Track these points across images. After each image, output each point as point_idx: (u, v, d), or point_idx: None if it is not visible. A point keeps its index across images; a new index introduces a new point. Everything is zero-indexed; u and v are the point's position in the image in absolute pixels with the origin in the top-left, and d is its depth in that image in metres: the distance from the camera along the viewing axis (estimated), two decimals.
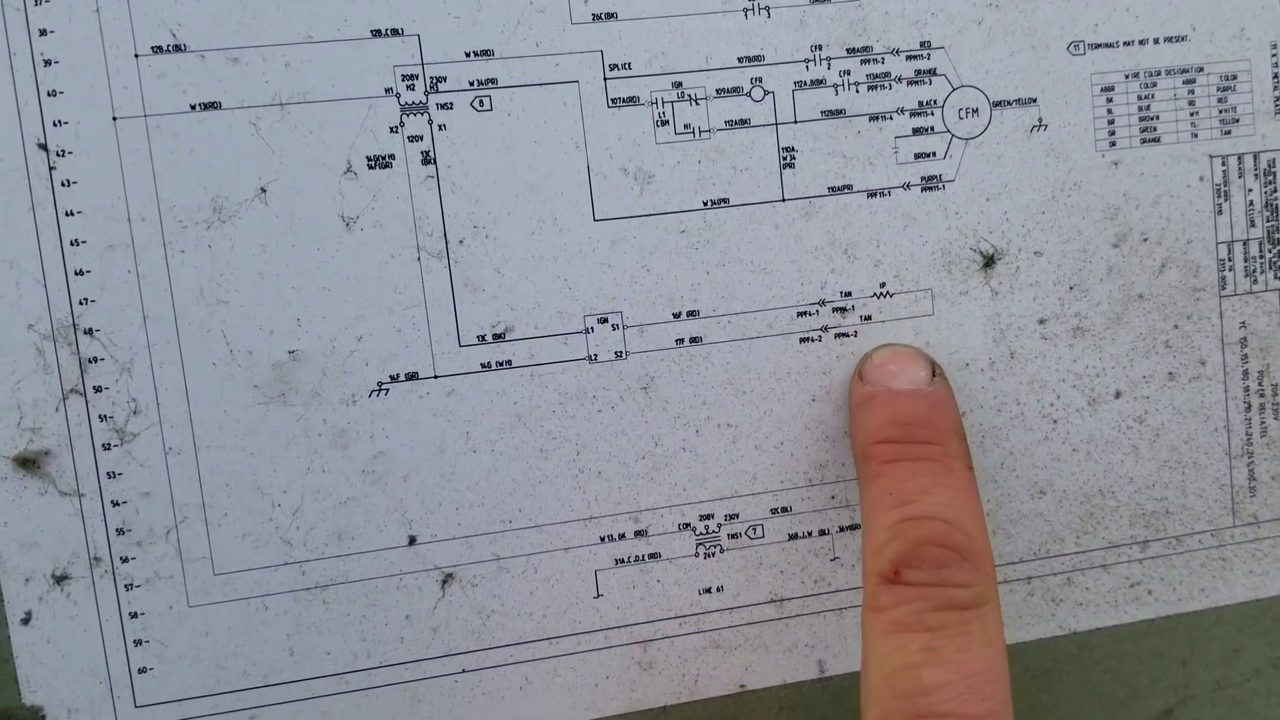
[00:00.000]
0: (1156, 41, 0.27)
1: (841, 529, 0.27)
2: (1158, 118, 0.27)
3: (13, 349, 0.23)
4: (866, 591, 0.22)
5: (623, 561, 0.26)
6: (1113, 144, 0.27)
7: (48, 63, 0.23)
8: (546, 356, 0.25)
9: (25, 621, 0.24)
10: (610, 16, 0.25)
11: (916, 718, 0.20)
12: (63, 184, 0.23)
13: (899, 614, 0.21)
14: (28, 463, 0.23)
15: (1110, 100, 0.27)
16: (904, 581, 0.21)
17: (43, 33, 0.23)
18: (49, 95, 0.23)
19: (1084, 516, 0.28)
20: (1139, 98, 0.27)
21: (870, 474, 0.23)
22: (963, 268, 0.26)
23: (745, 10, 0.25)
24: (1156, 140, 0.27)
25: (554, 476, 0.26)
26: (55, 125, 0.23)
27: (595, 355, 0.25)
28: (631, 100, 0.25)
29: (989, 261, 0.26)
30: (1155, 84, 0.27)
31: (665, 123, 0.25)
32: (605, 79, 0.25)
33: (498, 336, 0.25)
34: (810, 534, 0.27)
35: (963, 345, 0.27)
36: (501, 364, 0.25)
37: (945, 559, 0.21)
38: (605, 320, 0.25)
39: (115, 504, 0.24)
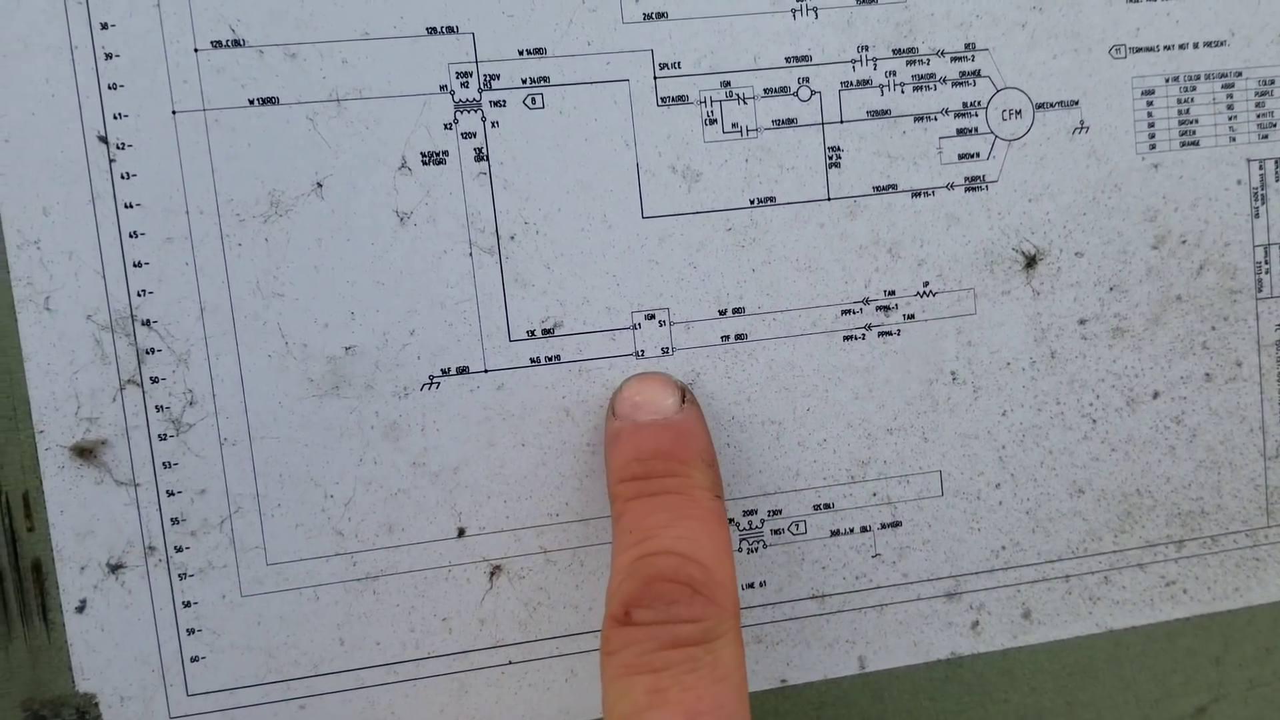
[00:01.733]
0: (1196, 46, 0.27)
1: (883, 526, 0.27)
2: (1197, 121, 0.27)
3: (71, 339, 0.23)
4: (602, 636, 0.21)
5: None
6: (1153, 147, 0.27)
7: (109, 56, 0.23)
8: (594, 352, 0.26)
9: (80, 610, 0.24)
10: (661, 16, 0.25)
11: None
12: (122, 176, 0.23)
13: (627, 656, 0.20)
14: (85, 452, 0.24)
15: (1150, 104, 0.27)
16: (633, 622, 0.21)
17: (104, 26, 0.23)
18: (110, 88, 0.23)
19: (1121, 515, 0.28)
20: (1178, 101, 0.27)
21: (615, 513, 0.23)
22: (1005, 268, 0.27)
23: (793, 11, 0.25)
24: (1195, 144, 0.27)
25: (601, 471, 0.26)
26: (115, 118, 0.23)
27: (642, 351, 0.26)
28: (680, 99, 0.25)
29: (1031, 262, 0.27)
30: (1195, 88, 0.27)
31: (713, 121, 0.25)
32: (655, 78, 0.25)
33: (547, 332, 0.25)
34: (852, 530, 0.27)
35: (1004, 344, 0.27)
36: (550, 359, 0.25)
37: (675, 594, 0.21)
38: (652, 316, 0.26)
39: (170, 494, 0.24)
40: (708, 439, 0.24)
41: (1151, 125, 0.27)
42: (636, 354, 0.26)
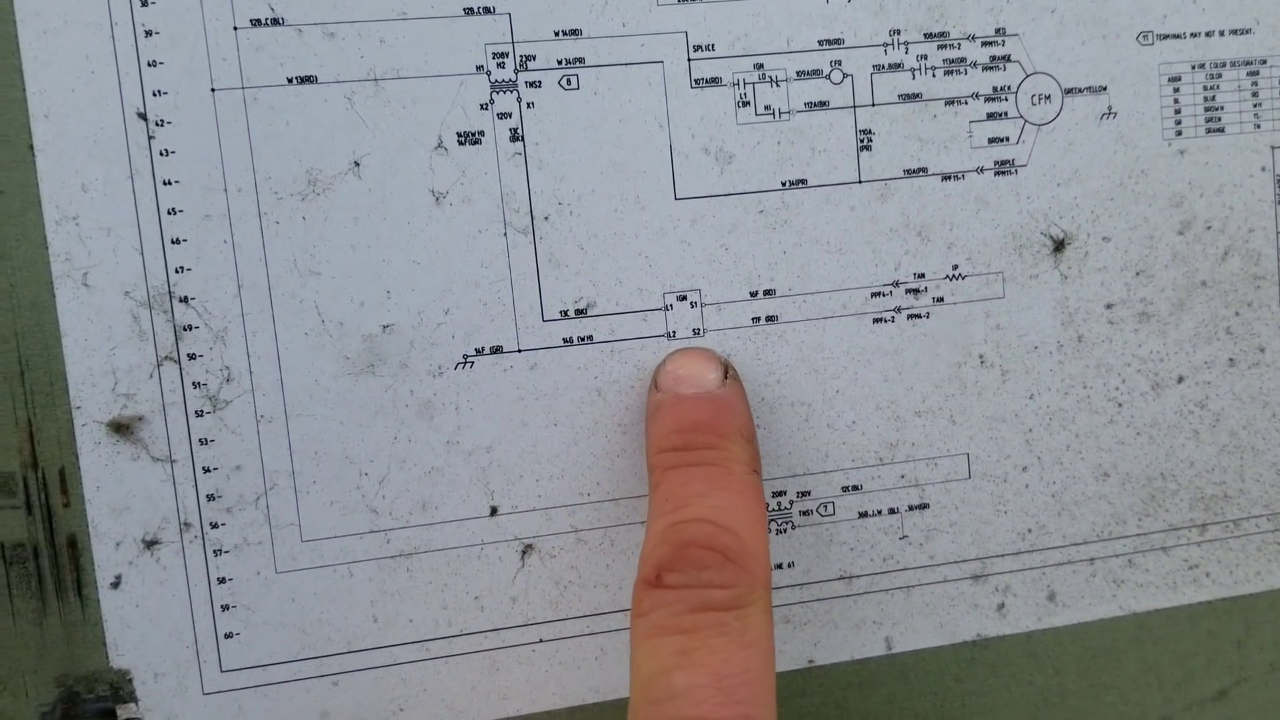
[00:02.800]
0: (1222, 34, 0.28)
1: (911, 508, 0.27)
2: (1222, 108, 0.28)
3: (109, 315, 0.24)
4: (633, 599, 0.22)
5: None
6: (1179, 133, 0.27)
7: (148, 33, 0.23)
8: (626, 332, 0.26)
9: (115, 586, 0.24)
10: None
11: None
12: (161, 153, 0.24)
13: (657, 618, 0.21)
14: (121, 428, 0.24)
15: (1177, 90, 0.27)
16: (664, 585, 0.21)
17: (144, 3, 0.23)
18: (149, 65, 0.23)
19: (1145, 499, 0.28)
20: (1204, 88, 0.28)
21: (653, 483, 0.23)
22: (1033, 251, 0.27)
23: None
24: (1221, 130, 0.28)
25: (631, 451, 0.26)
26: (155, 95, 0.23)
27: (674, 332, 0.26)
28: (714, 81, 0.25)
29: (1059, 246, 0.27)
30: (1220, 75, 0.28)
31: (746, 104, 0.26)
32: (689, 60, 0.25)
33: (580, 312, 0.25)
34: (880, 512, 0.27)
35: (1032, 328, 0.27)
36: (583, 339, 0.25)
37: (707, 560, 0.21)
38: (684, 298, 0.26)
39: (207, 470, 0.24)
40: (748, 415, 0.24)
41: (1178, 112, 0.27)
42: (668, 335, 0.26)
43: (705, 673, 0.20)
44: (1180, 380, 0.28)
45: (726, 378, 0.24)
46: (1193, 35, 0.27)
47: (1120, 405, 0.28)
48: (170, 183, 0.24)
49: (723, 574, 0.21)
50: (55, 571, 0.24)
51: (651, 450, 0.24)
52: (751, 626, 0.21)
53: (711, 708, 0.19)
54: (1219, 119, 0.28)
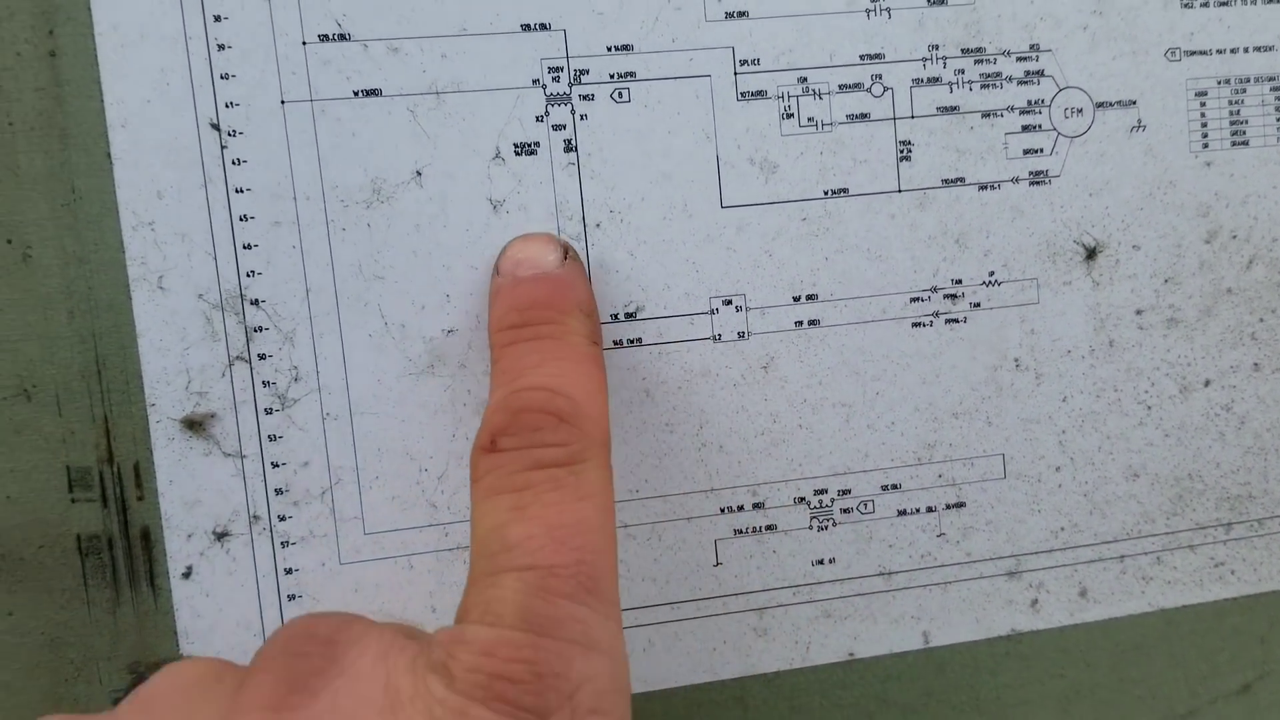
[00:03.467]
0: (1247, 50, 0.29)
1: (948, 506, 0.28)
2: (1247, 122, 0.29)
3: (183, 317, 0.25)
4: (470, 466, 0.21)
5: (741, 532, 0.27)
6: (1205, 145, 0.28)
7: (221, 47, 0.24)
8: (674, 335, 0.27)
9: (186, 576, 0.25)
10: (742, 15, 0.26)
11: (497, 573, 0.19)
12: (233, 162, 0.25)
13: (492, 480, 0.21)
14: (194, 425, 0.25)
15: (1204, 104, 0.28)
16: (499, 449, 0.21)
17: (217, 19, 0.24)
18: (222, 78, 0.24)
19: (1173, 499, 0.29)
20: (1230, 103, 0.29)
21: (492, 361, 0.23)
22: (1066, 259, 0.28)
23: (868, 11, 0.27)
24: (1246, 143, 0.29)
25: (678, 450, 0.27)
26: (227, 107, 0.24)
27: (719, 335, 0.27)
28: (759, 94, 0.26)
29: (1091, 254, 0.28)
30: (1245, 90, 0.29)
31: (790, 116, 0.27)
32: (736, 74, 0.26)
33: (629, 315, 0.26)
34: (918, 510, 0.28)
35: (1065, 333, 0.28)
36: (632, 341, 0.26)
37: (541, 422, 0.21)
38: (729, 302, 0.27)
39: (275, 465, 0.25)
40: (588, 292, 0.24)
41: (1204, 125, 0.28)
42: (714, 338, 0.27)
43: (539, 524, 0.20)
44: (1207, 384, 0.29)
45: (566, 258, 0.24)
46: (1219, 52, 0.28)
47: (1149, 408, 0.29)
48: (242, 190, 0.25)
49: (556, 434, 0.21)
50: (129, 562, 0.25)
51: (491, 330, 0.24)
52: (587, 481, 0.21)
53: (545, 555, 0.19)
54: (1244, 132, 0.29)
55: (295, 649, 0.18)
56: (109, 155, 0.24)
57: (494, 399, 0.22)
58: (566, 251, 0.25)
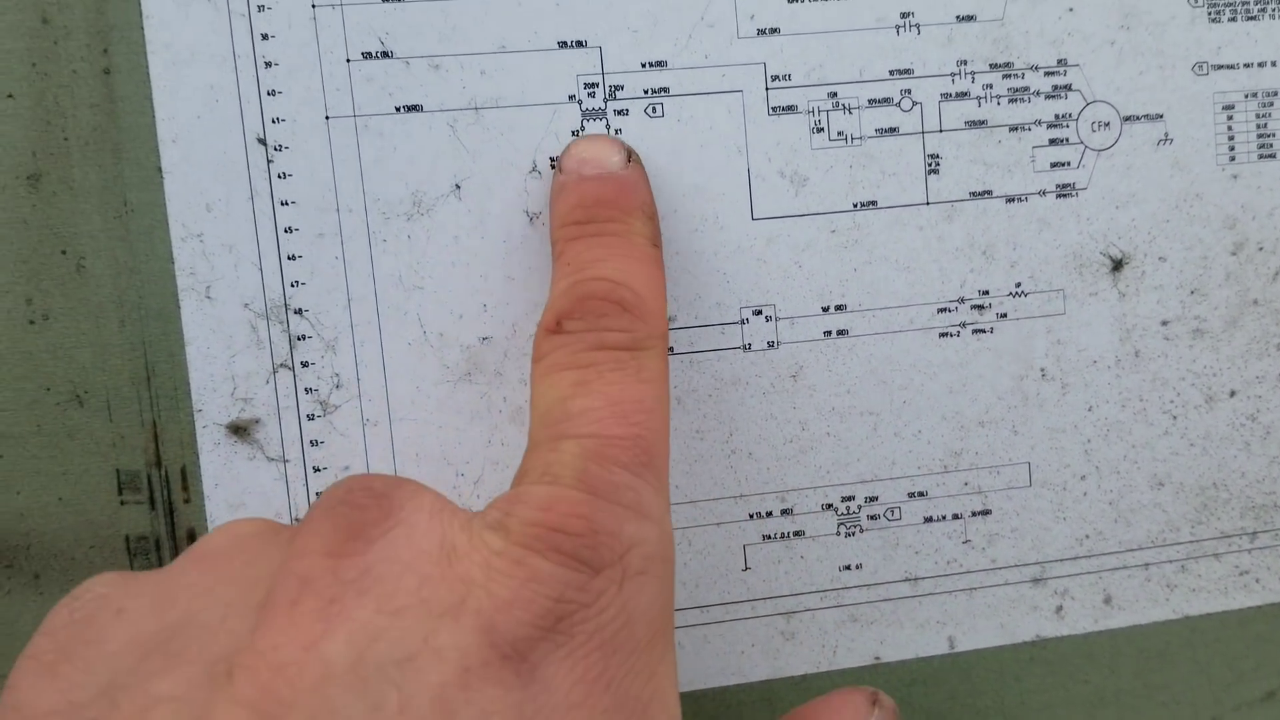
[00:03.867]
0: (1274, 64, 0.29)
1: (974, 514, 0.28)
2: (1274, 135, 0.29)
3: (230, 325, 0.25)
4: (533, 348, 0.22)
5: (769, 537, 0.28)
6: (1232, 158, 0.29)
7: (268, 65, 0.25)
8: (705, 344, 0.27)
9: None
10: (774, 31, 0.27)
11: (558, 440, 0.20)
12: (279, 176, 0.25)
13: (556, 357, 0.21)
14: (239, 430, 0.26)
15: (1231, 118, 0.29)
16: (564, 331, 0.22)
17: (265, 37, 0.25)
18: (269, 94, 0.25)
19: (1198, 508, 0.29)
20: (1257, 116, 0.29)
21: (555, 255, 0.24)
22: (1093, 270, 0.28)
23: (897, 27, 0.27)
24: (1273, 156, 0.29)
25: (708, 456, 0.27)
26: (274, 122, 0.25)
27: (749, 344, 0.27)
28: (790, 109, 0.27)
29: (1117, 265, 0.28)
30: (1272, 103, 0.29)
31: (820, 130, 0.27)
32: (767, 89, 0.27)
33: None
34: (944, 518, 0.28)
35: (1091, 343, 0.28)
36: None
37: (605, 309, 0.22)
38: (759, 312, 0.27)
39: (316, 470, 0.26)
40: (650, 195, 0.25)
41: (1231, 138, 0.29)
42: (744, 347, 0.27)
43: (600, 398, 0.20)
44: (1232, 394, 0.29)
45: (630, 161, 0.25)
46: (1245, 66, 0.29)
47: (1175, 418, 0.29)
48: (287, 203, 0.25)
49: (620, 320, 0.22)
50: None
51: (555, 225, 0.24)
52: (647, 366, 0.21)
53: (605, 425, 0.20)
54: (1270, 145, 0.29)
55: (353, 500, 0.18)
56: (160, 169, 0.25)
57: (558, 287, 0.23)
58: (630, 155, 0.25)
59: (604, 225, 0.24)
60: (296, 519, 0.26)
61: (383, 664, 0.16)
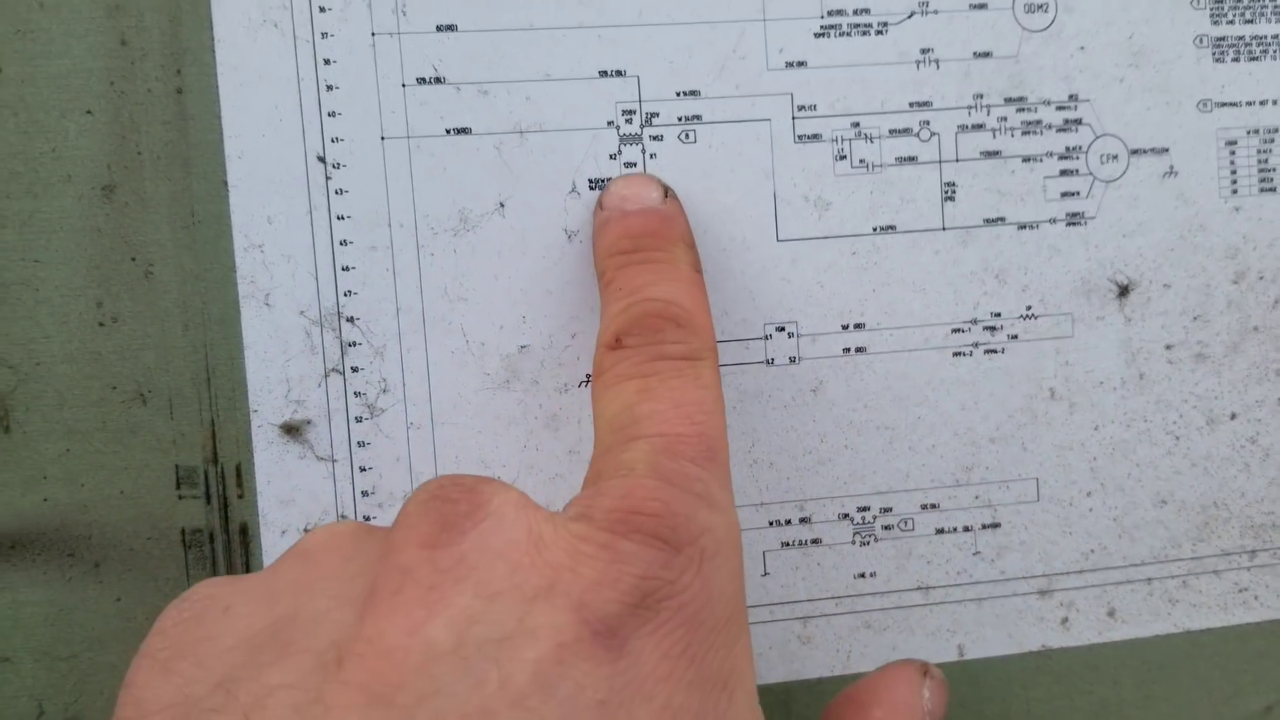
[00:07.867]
0: (1275, 102, 0.30)
1: (984, 526, 0.30)
2: (1275, 169, 0.30)
3: (286, 331, 0.27)
4: (594, 365, 0.24)
5: (788, 545, 0.29)
6: (1234, 191, 0.30)
7: (329, 88, 0.27)
8: (729, 359, 0.29)
9: None
10: (801, 65, 0.28)
11: (629, 441, 0.21)
12: (336, 192, 0.27)
13: (619, 369, 0.23)
14: (291, 430, 0.27)
15: (1233, 153, 0.30)
16: (624, 346, 0.23)
17: (327, 62, 0.27)
18: (329, 116, 0.27)
19: (1200, 525, 0.31)
20: (1258, 151, 0.30)
21: (604, 283, 0.25)
22: (1100, 296, 0.30)
23: (917, 62, 0.29)
24: (1273, 190, 0.30)
25: (731, 465, 0.29)
26: (333, 141, 0.27)
27: (772, 359, 0.29)
28: (815, 137, 0.29)
29: (1123, 291, 0.30)
30: (1273, 140, 0.30)
31: (843, 157, 0.29)
32: (794, 118, 0.29)
33: None
34: (955, 529, 0.30)
35: (1098, 365, 0.30)
36: None
37: (661, 325, 0.23)
38: (782, 329, 0.29)
39: (363, 469, 0.27)
40: (688, 227, 0.27)
41: (1234, 172, 0.30)
42: (767, 361, 0.29)
43: (665, 401, 0.22)
44: (1233, 417, 0.30)
45: (667, 196, 0.27)
46: (1248, 103, 0.30)
47: (1178, 438, 0.30)
48: (343, 218, 0.27)
49: (676, 334, 0.23)
50: (228, 555, 0.27)
51: (601, 256, 0.26)
52: (704, 373, 0.23)
53: (671, 425, 0.21)
54: (1271, 179, 0.30)
55: (445, 495, 0.19)
56: (226, 183, 0.27)
57: (613, 309, 0.24)
58: (667, 191, 0.27)
59: (649, 254, 0.25)
60: (342, 515, 0.27)
61: (482, 644, 0.17)
